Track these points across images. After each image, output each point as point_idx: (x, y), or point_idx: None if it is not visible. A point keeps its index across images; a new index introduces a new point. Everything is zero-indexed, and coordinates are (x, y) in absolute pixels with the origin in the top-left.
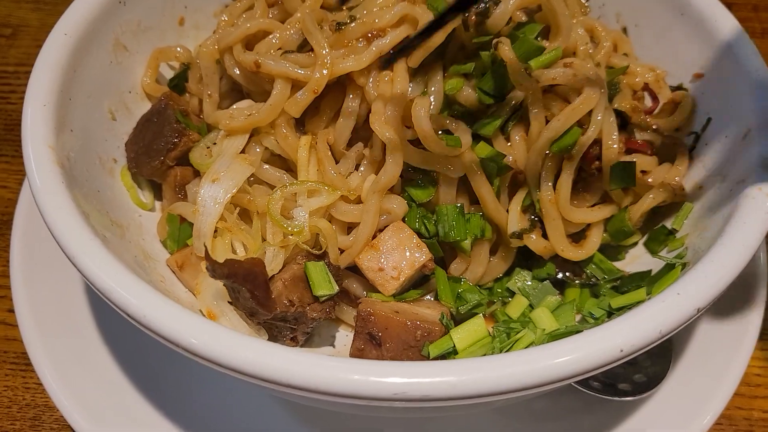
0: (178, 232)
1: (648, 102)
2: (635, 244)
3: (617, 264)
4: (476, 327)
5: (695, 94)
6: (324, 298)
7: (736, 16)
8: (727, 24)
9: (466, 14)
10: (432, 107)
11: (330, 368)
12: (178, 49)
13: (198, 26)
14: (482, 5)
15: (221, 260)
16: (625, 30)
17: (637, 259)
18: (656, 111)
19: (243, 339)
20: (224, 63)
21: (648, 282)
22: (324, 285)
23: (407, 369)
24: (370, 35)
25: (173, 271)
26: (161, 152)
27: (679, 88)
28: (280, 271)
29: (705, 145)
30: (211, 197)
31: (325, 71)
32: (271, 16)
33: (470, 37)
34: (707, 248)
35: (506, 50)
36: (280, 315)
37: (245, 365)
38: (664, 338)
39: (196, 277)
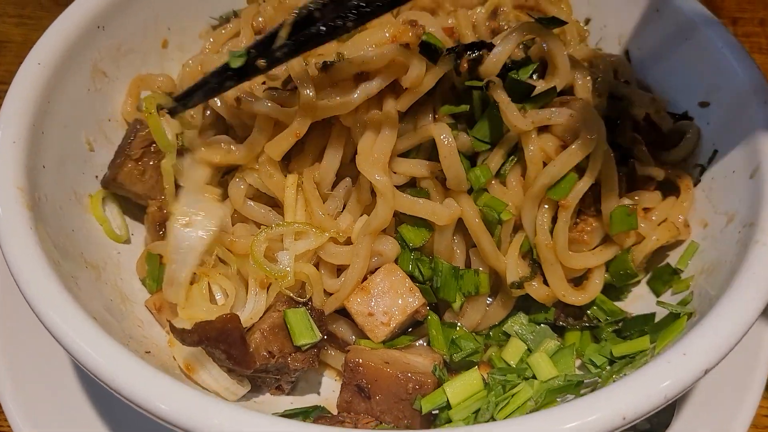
0: (158, 272)
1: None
2: (638, 282)
3: (619, 304)
4: (471, 380)
5: (700, 124)
6: (306, 347)
7: (742, 31)
8: (734, 51)
9: (458, 61)
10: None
11: None
12: (160, 78)
13: (182, 48)
14: (476, 52)
15: (197, 312)
16: (627, 53)
17: (640, 299)
18: (659, 142)
19: (214, 405)
20: None
21: (651, 329)
22: (305, 333)
23: None
24: (357, 77)
25: (152, 313)
26: (123, 149)
27: (684, 116)
28: (260, 319)
29: (711, 179)
30: (188, 245)
31: (307, 113)
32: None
33: (462, 81)
34: (714, 299)
35: (498, 91)
36: (261, 367)
37: None
38: (669, 402)
39: (174, 319)
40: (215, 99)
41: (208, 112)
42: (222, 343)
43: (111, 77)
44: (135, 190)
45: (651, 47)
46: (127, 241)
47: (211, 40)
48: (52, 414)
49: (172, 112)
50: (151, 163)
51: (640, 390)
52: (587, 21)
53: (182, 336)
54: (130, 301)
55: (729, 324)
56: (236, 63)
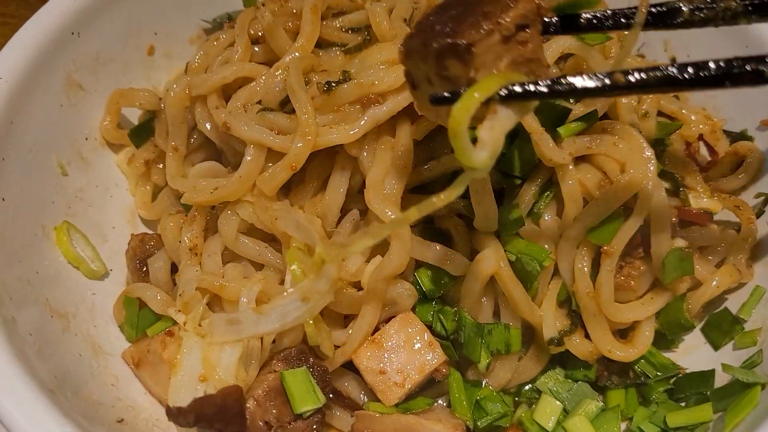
0: (137, 318)
1: (705, 154)
2: (691, 329)
3: (670, 355)
4: None
5: (763, 146)
6: (309, 413)
7: None
8: None
9: None
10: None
11: None
12: (143, 93)
13: (170, 55)
14: None
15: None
16: (674, 61)
17: (694, 351)
18: (715, 167)
19: None
20: (195, 115)
21: (715, 395)
22: (307, 398)
23: None
24: (365, 100)
25: (130, 367)
26: None
27: (743, 136)
28: (254, 381)
29: None
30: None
31: (306, 143)
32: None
33: None
34: None
35: (530, 120)
36: None
37: None
38: None
39: (154, 376)
40: (204, 122)
41: (195, 135)
42: (218, 421)
43: (88, 90)
44: None
45: (703, 55)
46: (105, 276)
47: (201, 53)
48: None
49: None
50: None
51: None
52: None
53: (177, 418)
54: (104, 354)
55: None
56: None
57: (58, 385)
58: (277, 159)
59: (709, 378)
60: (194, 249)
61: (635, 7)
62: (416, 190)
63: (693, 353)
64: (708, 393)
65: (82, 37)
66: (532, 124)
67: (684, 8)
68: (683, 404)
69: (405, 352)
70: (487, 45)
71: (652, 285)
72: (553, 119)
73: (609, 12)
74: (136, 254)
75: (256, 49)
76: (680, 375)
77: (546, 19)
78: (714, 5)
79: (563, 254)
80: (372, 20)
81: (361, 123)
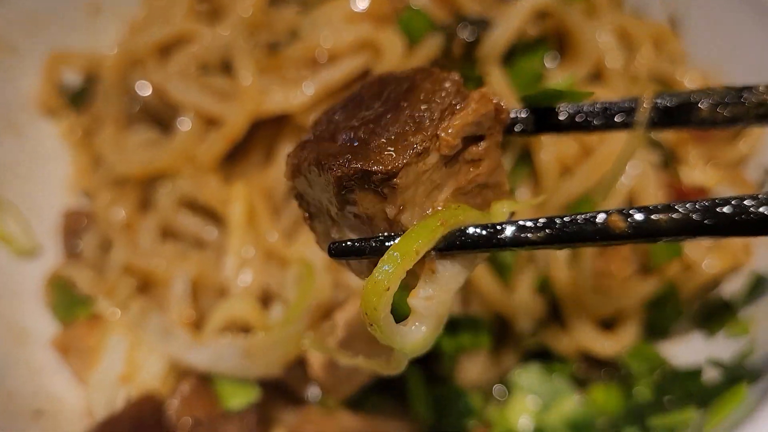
0: (70, 300)
1: None
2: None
3: (659, 345)
4: None
5: None
6: (243, 408)
7: None
8: None
9: (450, 43)
10: None
11: None
12: (83, 56)
13: (120, 16)
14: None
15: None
16: (673, 21)
17: (685, 341)
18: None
19: None
20: (133, 79)
21: (700, 396)
22: (238, 391)
23: None
24: (315, 63)
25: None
26: None
27: None
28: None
29: None
30: None
31: (245, 110)
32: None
33: (454, 67)
34: None
35: (496, 84)
36: None
37: None
38: None
39: (82, 363)
40: (142, 86)
41: (138, 106)
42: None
43: (23, 53)
44: None
45: (704, 12)
46: (39, 255)
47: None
48: None
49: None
50: None
51: None
52: None
53: None
54: (29, 340)
55: None
56: None
57: None
58: (218, 128)
59: (696, 376)
60: (129, 226)
61: (634, 101)
62: None
63: (684, 342)
64: (693, 391)
65: None
66: (499, 88)
67: (702, 104)
68: (666, 398)
69: (357, 342)
70: (418, 172)
71: (638, 270)
72: (526, 82)
73: (598, 107)
74: (69, 231)
75: (203, 6)
76: (667, 369)
77: (512, 115)
78: (744, 101)
79: None
80: None
81: (310, 88)
